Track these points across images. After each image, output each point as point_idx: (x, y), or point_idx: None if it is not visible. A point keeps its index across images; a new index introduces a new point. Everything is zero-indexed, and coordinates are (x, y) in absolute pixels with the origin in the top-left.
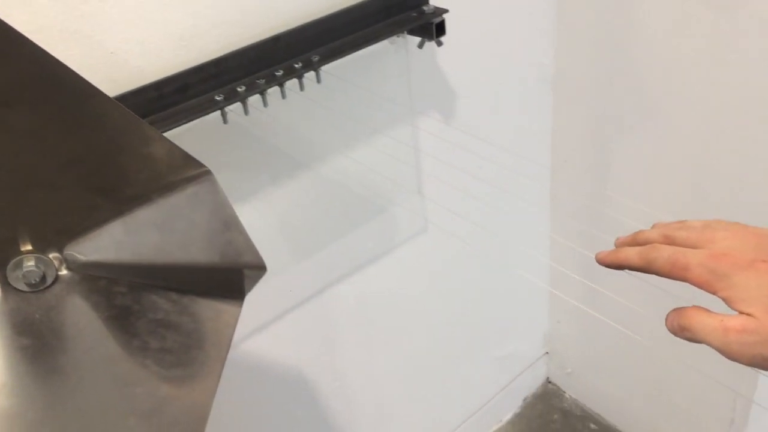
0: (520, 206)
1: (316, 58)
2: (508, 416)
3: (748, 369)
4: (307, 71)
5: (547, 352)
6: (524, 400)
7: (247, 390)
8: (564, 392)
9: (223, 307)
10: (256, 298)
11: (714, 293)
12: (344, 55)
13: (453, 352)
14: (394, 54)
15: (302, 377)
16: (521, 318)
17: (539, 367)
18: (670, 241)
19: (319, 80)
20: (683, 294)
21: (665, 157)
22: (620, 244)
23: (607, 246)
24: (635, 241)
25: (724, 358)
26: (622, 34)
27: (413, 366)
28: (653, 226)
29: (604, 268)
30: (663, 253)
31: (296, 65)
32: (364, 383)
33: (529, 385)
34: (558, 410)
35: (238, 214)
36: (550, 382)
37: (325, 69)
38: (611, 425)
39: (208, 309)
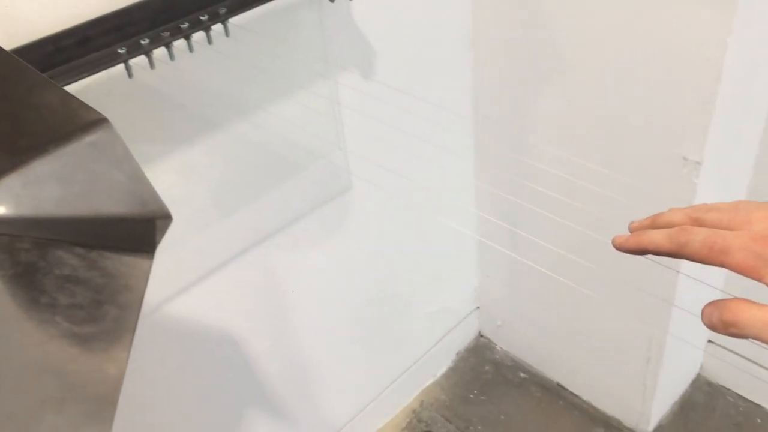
0: (445, 159)
1: (222, 11)
2: (442, 370)
3: (660, 308)
4: (214, 23)
5: (478, 307)
6: (457, 354)
7: (171, 354)
8: (495, 345)
9: (133, 261)
10: (177, 259)
11: (759, 279)
12: (252, 8)
13: (385, 309)
14: (307, 8)
15: (230, 339)
16: (452, 274)
17: (471, 321)
18: (699, 224)
19: (227, 33)
20: (604, 238)
21: (580, 106)
22: (638, 228)
23: (531, 195)
24: (655, 224)
25: (636, 299)
26: None
27: (345, 324)
28: (670, 211)
29: (527, 217)
30: (697, 236)
31: (202, 17)
32: (295, 343)
33: (461, 339)
34: (490, 362)
35: (150, 174)
36: (482, 336)
37: (235, 22)
38: (539, 372)
39: (118, 263)
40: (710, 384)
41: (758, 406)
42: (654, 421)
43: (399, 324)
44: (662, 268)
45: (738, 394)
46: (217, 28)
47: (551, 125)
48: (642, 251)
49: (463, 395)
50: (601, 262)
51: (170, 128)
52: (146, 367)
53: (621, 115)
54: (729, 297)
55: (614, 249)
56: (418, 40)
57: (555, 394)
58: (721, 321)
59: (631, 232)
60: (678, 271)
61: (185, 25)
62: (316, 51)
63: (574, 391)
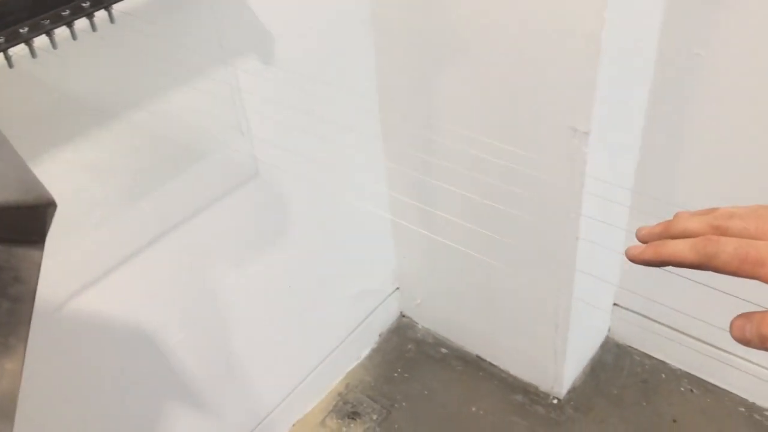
0: (353, 141)
1: None
2: (365, 352)
3: (563, 274)
4: (97, 9)
5: (398, 288)
6: (380, 335)
7: (82, 351)
8: (417, 323)
9: (22, 252)
10: (82, 254)
11: None
12: None
13: (304, 294)
14: None
15: (143, 332)
16: (369, 256)
17: (392, 302)
18: (722, 232)
19: (112, 20)
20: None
21: (478, 85)
22: (648, 235)
23: (440, 172)
24: (669, 231)
25: (541, 267)
26: None
27: (263, 311)
28: (677, 216)
29: (437, 194)
30: (726, 247)
31: (84, 4)
32: (212, 333)
33: (383, 320)
34: (412, 340)
35: (42, 168)
36: (403, 316)
37: (121, 8)
38: (459, 346)
39: (6, 254)
40: (618, 345)
41: (662, 362)
42: (567, 383)
43: (319, 308)
44: (562, 235)
45: (644, 353)
46: (101, 14)
47: (453, 104)
48: (662, 263)
49: (387, 375)
50: (506, 232)
51: (61, 119)
52: (56, 366)
53: (514, 90)
54: (758, 309)
55: (629, 260)
56: (318, 24)
57: (475, 366)
58: (758, 335)
59: (640, 240)
60: (577, 237)
61: (66, 12)
62: (211, 37)
63: (493, 362)
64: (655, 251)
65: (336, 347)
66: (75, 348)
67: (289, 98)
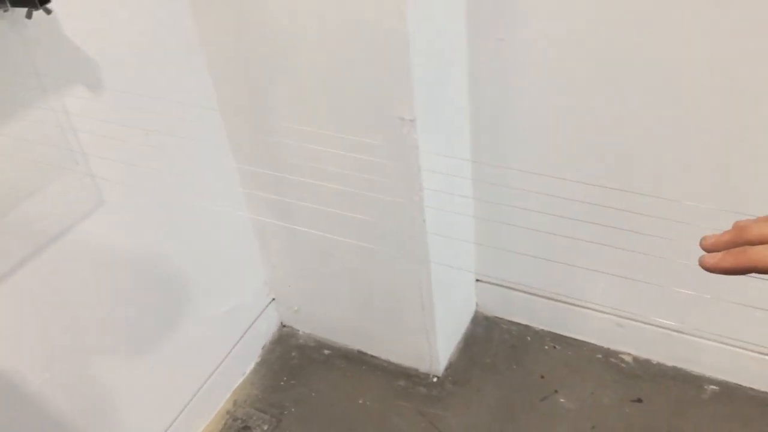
0: (201, 152)
1: None
2: (250, 366)
3: (420, 259)
4: None
5: (273, 299)
6: (263, 348)
7: None
8: (298, 330)
9: None
10: None
11: None
12: None
13: (174, 317)
14: (9, 29)
15: (1, 378)
16: (238, 271)
17: (270, 313)
18: None
19: None
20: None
21: (311, 85)
22: (716, 245)
23: (291, 173)
24: (741, 238)
25: (397, 254)
26: None
27: (133, 341)
28: (745, 224)
29: (293, 198)
30: None
31: None
32: (80, 371)
33: (264, 332)
34: (295, 348)
35: None
36: (284, 326)
37: None
38: (341, 345)
39: None
40: (486, 317)
41: (527, 326)
42: (443, 361)
43: (193, 330)
44: (411, 220)
45: (510, 321)
46: None
47: (290, 104)
48: (746, 270)
49: (273, 385)
50: (360, 226)
51: None
52: None
53: (345, 86)
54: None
55: (706, 270)
56: (142, 44)
57: (358, 361)
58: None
59: (707, 249)
60: (424, 220)
61: None
62: (24, 65)
63: (374, 354)
64: (736, 259)
65: (217, 366)
66: None
67: (124, 119)
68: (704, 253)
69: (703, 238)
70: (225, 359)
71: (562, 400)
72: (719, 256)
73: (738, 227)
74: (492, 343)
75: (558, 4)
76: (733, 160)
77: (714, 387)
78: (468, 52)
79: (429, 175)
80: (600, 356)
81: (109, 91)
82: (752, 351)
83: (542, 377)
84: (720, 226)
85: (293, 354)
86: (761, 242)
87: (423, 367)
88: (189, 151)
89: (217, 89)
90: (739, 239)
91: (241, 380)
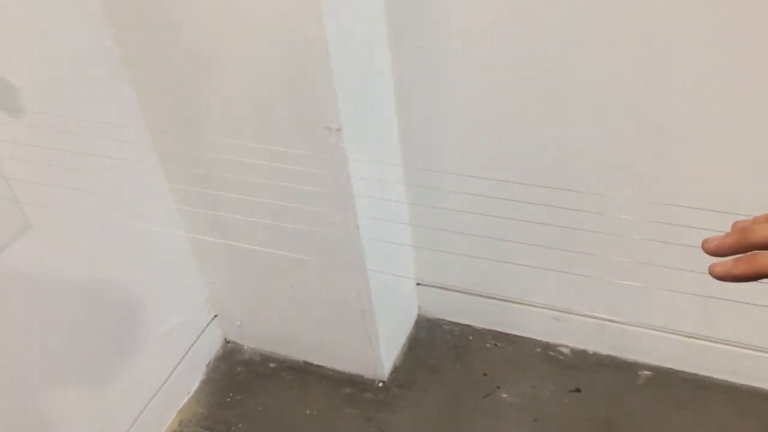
0: (131, 172)
1: None
2: (195, 385)
3: (357, 266)
4: None
5: (215, 315)
6: (207, 365)
7: None
8: (242, 345)
9: None
10: None
11: None
12: None
13: (114, 341)
14: None
15: None
16: (176, 289)
17: (213, 330)
18: None
19: None
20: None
21: (238, 98)
22: (720, 248)
23: (222, 186)
24: (748, 241)
25: (334, 261)
26: (171, 8)
27: (66, 368)
28: (747, 226)
29: (226, 212)
30: None
31: None
32: (15, 402)
33: (207, 350)
34: (240, 363)
35: None
36: (228, 342)
37: None
38: (286, 357)
39: None
40: (429, 320)
41: (468, 326)
42: (388, 365)
43: (134, 351)
44: (345, 228)
45: (452, 321)
46: None
47: (219, 119)
48: (757, 277)
49: (219, 402)
50: (296, 236)
51: None
52: None
53: (271, 98)
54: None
55: (716, 279)
56: (60, 65)
57: (304, 372)
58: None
59: (711, 253)
60: (357, 227)
61: None
62: None
63: (319, 363)
64: (748, 266)
65: (160, 387)
66: None
67: (46, 141)
68: (704, 254)
69: (705, 241)
70: (168, 379)
71: (504, 395)
72: (729, 264)
73: (740, 229)
74: (435, 344)
75: (472, 10)
76: (649, 155)
77: (648, 372)
78: (392, 60)
79: (359, 182)
80: (539, 350)
81: (29, 114)
82: (681, 335)
83: (485, 374)
84: (647, 216)
85: (239, 369)
86: (767, 246)
87: (368, 373)
88: (118, 171)
89: (142, 107)
90: (744, 242)
91: (186, 399)
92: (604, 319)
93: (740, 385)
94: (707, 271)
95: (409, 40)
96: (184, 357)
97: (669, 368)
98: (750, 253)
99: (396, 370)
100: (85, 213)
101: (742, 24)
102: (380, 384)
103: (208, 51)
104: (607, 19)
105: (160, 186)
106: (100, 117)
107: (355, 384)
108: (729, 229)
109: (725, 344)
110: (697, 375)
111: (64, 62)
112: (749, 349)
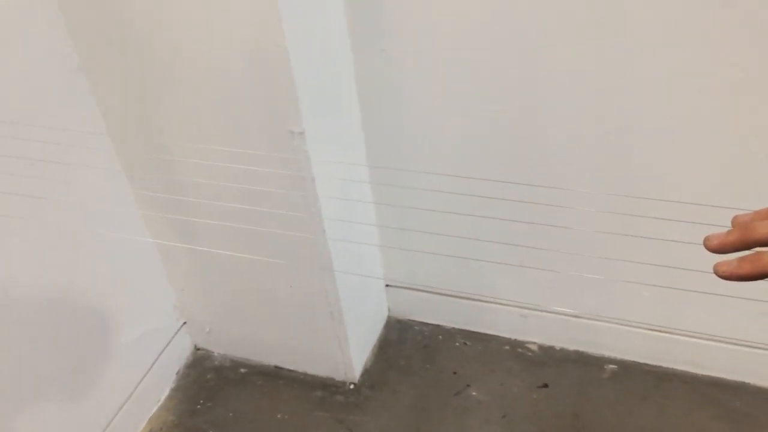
0: (94, 179)
1: None
2: (165, 393)
3: (324, 268)
4: None
5: (184, 322)
6: (177, 373)
7: None
8: (212, 352)
9: None
10: None
11: None
12: None
13: (81, 351)
14: None
15: None
16: (144, 297)
17: (182, 338)
18: None
19: None
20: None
21: (204, 104)
22: (722, 246)
23: (188, 192)
24: (751, 239)
25: (301, 265)
26: (131, 16)
27: (38, 382)
28: (747, 222)
29: (192, 217)
30: None
31: None
32: None
33: (177, 357)
34: (210, 370)
35: None
36: (198, 348)
37: None
38: (257, 362)
39: None
40: (399, 321)
41: (438, 326)
42: (358, 367)
43: (101, 361)
44: (311, 232)
45: (422, 322)
46: None
47: (182, 124)
48: (762, 276)
49: (190, 409)
50: (262, 240)
51: None
52: None
53: (233, 102)
54: None
55: (722, 278)
56: (16, 73)
57: (274, 377)
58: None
59: (713, 251)
60: (324, 230)
61: None
62: None
63: (290, 368)
64: (753, 266)
65: (129, 396)
66: None
67: (4, 149)
68: (705, 251)
69: (707, 239)
70: (137, 388)
71: (474, 393)
72: (734, 263)
73: (741, 226)
74: (405, 345)
75: (432, 13)
76: (613, 152)
77: (613, 366)
78: (354, 63)
79: (324, 184)
80: (508, 348)
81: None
82: (643, 329)
83: (455, 373)
84: (609, 209)
85: (209, 376)
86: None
87: (339, 375)
88: (80, 178)
89: (103, 113)
90: (747, 239)
91: (156, 408)
92: (569, 315)
93: (701, 375)
94: (712, 271)
95: (371, 43)
96: (153, 365)
97: (633, 361)
98: (755, 252)
99: (367, 372)
100: (48, 221)
101: (711, 22)
102: (351, 386)
103: (169, 58)
104: (570, 18)
105: (125, 192)
106: (60, 125)
107: (326, 387)
108: (683, 219)
109: (686, 335)
110: (660, 367)
111: (20, 71)
112: (708, 339)
